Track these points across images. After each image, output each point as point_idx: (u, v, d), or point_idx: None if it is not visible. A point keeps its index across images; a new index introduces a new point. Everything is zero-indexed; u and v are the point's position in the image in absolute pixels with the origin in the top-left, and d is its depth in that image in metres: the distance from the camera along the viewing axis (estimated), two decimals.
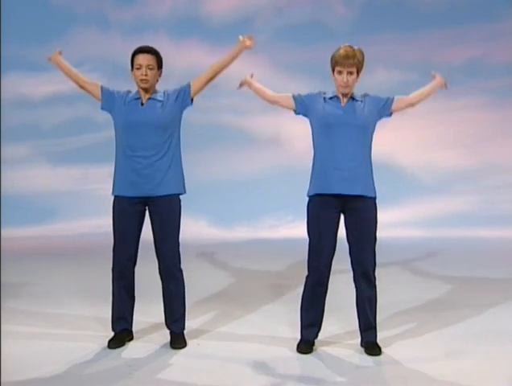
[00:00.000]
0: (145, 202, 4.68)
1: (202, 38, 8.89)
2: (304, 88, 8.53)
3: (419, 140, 8.73)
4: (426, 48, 8.77)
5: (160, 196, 4.64)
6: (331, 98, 4.55)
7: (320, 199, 4.53)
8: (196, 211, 8.07)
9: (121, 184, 4.68)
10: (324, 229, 4.52)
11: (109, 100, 4.70)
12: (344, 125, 4.47)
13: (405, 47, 8.78)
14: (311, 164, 4.60)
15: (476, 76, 8.74)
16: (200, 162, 7.97)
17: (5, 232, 6.51)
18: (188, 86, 4.79)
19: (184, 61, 8.84)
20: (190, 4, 8.94)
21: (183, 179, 4.75)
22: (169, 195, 4.65)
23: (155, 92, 4.70)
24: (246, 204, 8.72)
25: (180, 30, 8.89)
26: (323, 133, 4.51)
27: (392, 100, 4.58)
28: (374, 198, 4.55)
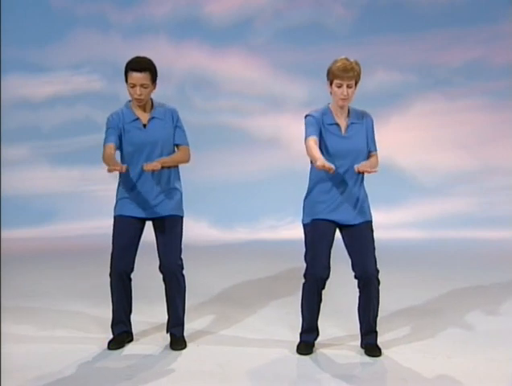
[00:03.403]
0: (147, 218, 4.74)
1: (202, 39, 8.89)
2: (304, 90, 8.62)
3: (419, 141, 8.72)
4: (426, 50, 8.76)
5: (164, 216, 4.68)
6: (330, 124, 4.51)
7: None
8: (197, 212, 8.07)
9: (125, 204, 4.70)
10: (320, 238, 4.53)
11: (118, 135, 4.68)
12: (344, 156, 4.47)
13: (405, 48, 8.77)
14: (307, 188, 4.62)
15: (476, 78, 8.73)
16: (200, 163, 7.97)
17: (5, 233, 6.52)
18: (181, 130, 4.71)
19: (184, 62, 8.84)
20: (190, 5, 8.93)
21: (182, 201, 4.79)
22: (173, 216, 4.70)
23: (153, 107, 4.68)
24: (246, 205, 8.71)
25: (180, 31, 8.89)
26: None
27: (372, 151, 4.57)
28: (370, 221, 4.59)
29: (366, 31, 8.73)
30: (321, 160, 4.22)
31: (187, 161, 4.74)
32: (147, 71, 4.55)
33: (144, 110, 4.67)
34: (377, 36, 8.73)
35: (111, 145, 4.59)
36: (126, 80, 4.59)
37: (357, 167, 4.35)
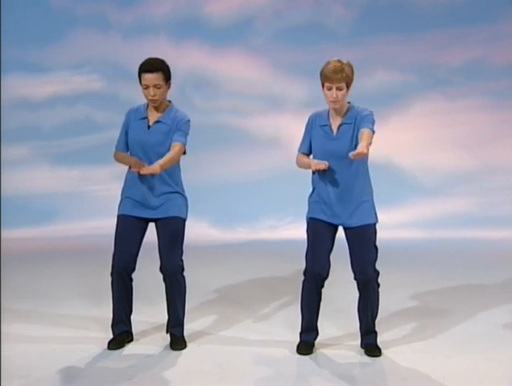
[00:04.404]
0: (150, 219, 4.74)
1: (202, 39, 8.89)
2: (304, 90, 8.62)
3: (419, 141, 8.72)
4: (426, 50, 8.76)
5: (166, 217, 4.69)
6: (323, 126, 4.53)
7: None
8: (197, 212, 8.04)
9: (128, 204, 4.70)
10: (319, 238, 4.53)
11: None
12: (334, 157, 4.45)
13: (405, 48, 8.77)
14: (311, 185, 4.64)
15: (476, 78, 8.72)
16: (200, 163, 7.98)
17: (5, 233, 6.52)
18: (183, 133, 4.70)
19: (185, 62, 8.83)
20: (190, 5, 8.92)
21: (187, 205, 4.79)
22: (175, 217, 4.70)
23: (166, 109, 4.68)
24: (247, 205, 8.71)
25: (180, 31, 8.88)
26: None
27: (361, 131, 4.43)
28: (372, 224, 4.57)
29: (366, 31, 8.72)
30: (313, 163, 4.40)
31: (178, 158, 4.65)
32: (160, 72, 4.56)
33: (157, 111, 4.68)
34: (377, 36, 8.73)
35: (121, 152, 4.74)
36: (140, 83, 4.60)
37: (351, 155, 4.23)
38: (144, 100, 4.71)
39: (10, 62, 8.49)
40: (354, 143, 4.45)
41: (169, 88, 4.66)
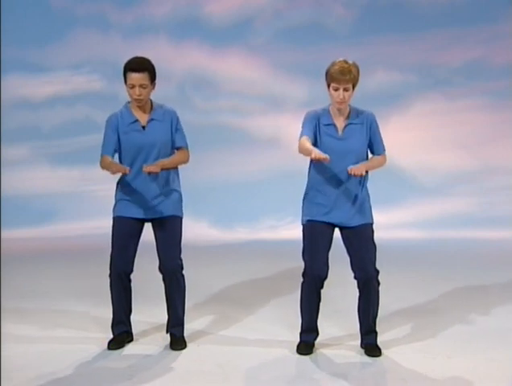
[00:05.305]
0: (146, 219, 4.74)
1: (202, 39, 8.89)
2: (304, 90, 8.62)
3: (419, 141, 8.72)
4: (426, 50, 8.76)
5: (164, 217, 4.69)
6: (327, 125, 4.52)
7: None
8: (197, 212, 8.07)
9: (124, 205, 4.70)
10: (317, 238, 4.53)
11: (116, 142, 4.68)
12: (339, 157, 4.43)
13: (405, 48, 8.77)
14: (305, 189, 4.62)
15: (476, 78, 8.72)
16: (200, 163, 7.95)
17: (5, 233, 6.52)
18: (181, 133, 4.72)
19: (184, 62, 8.84)
20: (190, 5, 8.92)
21: (181, 200, 4.80)
22: (171, 216, 4.70)
23: (152, 108, 4.68)
24: (246, 205, 8.71)
25: (180, 31, 8.89)
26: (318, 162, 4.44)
27: (375, 153, 4.57)
28: (370, 223, 4.59)
29: (366, 31, 8.72)
30: (314, 152, 4.25)
31: (185, 162, 4.75)
32: (146, 72, 4.55)
33: (143, 111, 4.67)
34: (377, 36, 8.73)
35: (107, 158, 4.64)
36: (125, 81, 4.59)
37: (349, 169, 4.34)
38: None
39: (10, 62, 8.49)
40: (365, 143, 4.50)
41: (154, 88, 4.65)
